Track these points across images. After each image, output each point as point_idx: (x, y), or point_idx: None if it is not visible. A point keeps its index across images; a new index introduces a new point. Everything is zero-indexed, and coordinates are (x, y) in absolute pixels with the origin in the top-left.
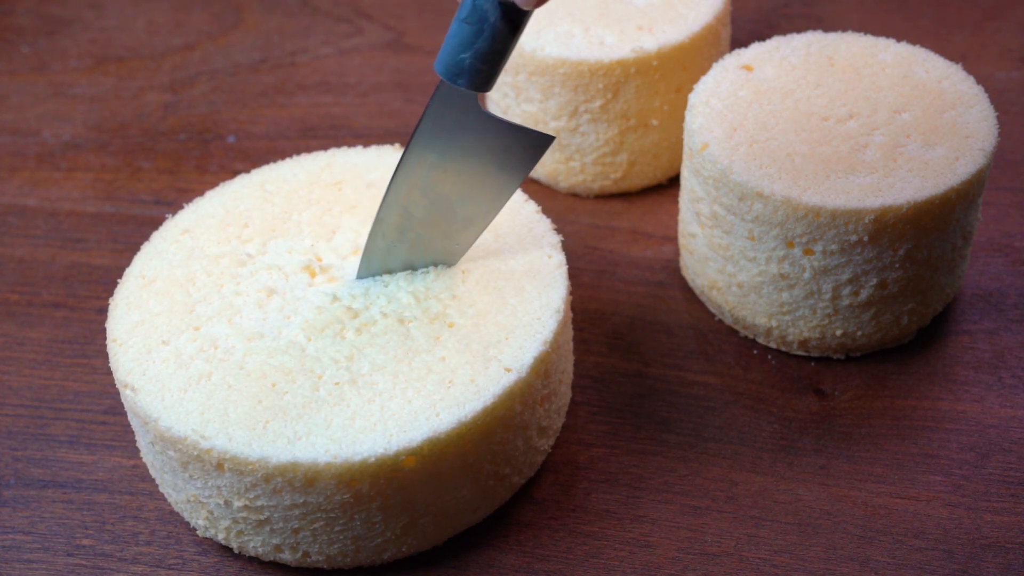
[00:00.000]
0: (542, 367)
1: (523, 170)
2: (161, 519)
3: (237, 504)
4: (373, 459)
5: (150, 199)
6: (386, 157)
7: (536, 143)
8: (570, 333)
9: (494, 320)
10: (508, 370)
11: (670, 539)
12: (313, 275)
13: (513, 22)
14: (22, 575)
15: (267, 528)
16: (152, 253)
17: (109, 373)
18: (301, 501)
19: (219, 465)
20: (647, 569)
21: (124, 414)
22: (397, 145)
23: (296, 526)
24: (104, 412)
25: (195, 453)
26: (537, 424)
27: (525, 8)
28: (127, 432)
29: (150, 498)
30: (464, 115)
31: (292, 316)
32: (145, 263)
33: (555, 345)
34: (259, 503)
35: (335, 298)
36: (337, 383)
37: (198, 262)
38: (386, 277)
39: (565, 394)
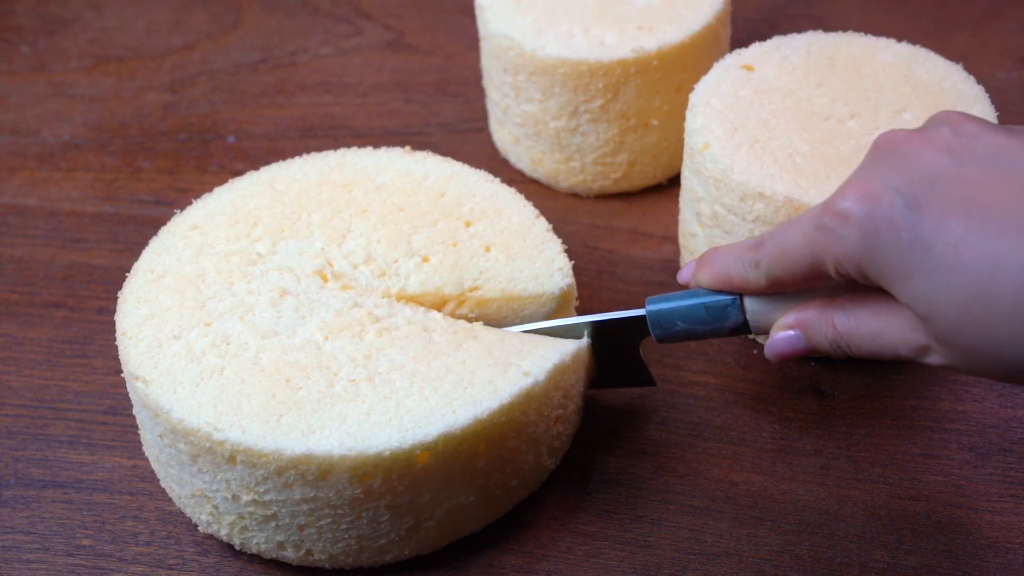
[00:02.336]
0: (560, 378)
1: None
2: (161, 519)
3: (245, 498)
4: (388, 452)
5: (150, 199)
6: (396, 160)
7: (639, 379)
8: (585, 376)
9: (519, 335)
10: (527, 374)
11: (670, 539)
12: (325, 280)
13: (736, 332)
14: (22, 575)
15: (272, 524)
16: (161, 248)
17: (109, 373)
18: (311, 496)
19: (231, 458)
20: (647, 569)
21: (124, 414)
22: (408, 148)
23: (302, 522)
24: (104, 412)
25: (207, 445)
26: (549, 444)
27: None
28: (127, 432)
29: (150, 498)
30: (626, 343)
31: (308, 317)
32: (154, 258)
33: (575, 362)
34: (268, 497)
35: (356, 304)
36: (353, 380)
37: (208, 259)
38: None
39: (575, 423)
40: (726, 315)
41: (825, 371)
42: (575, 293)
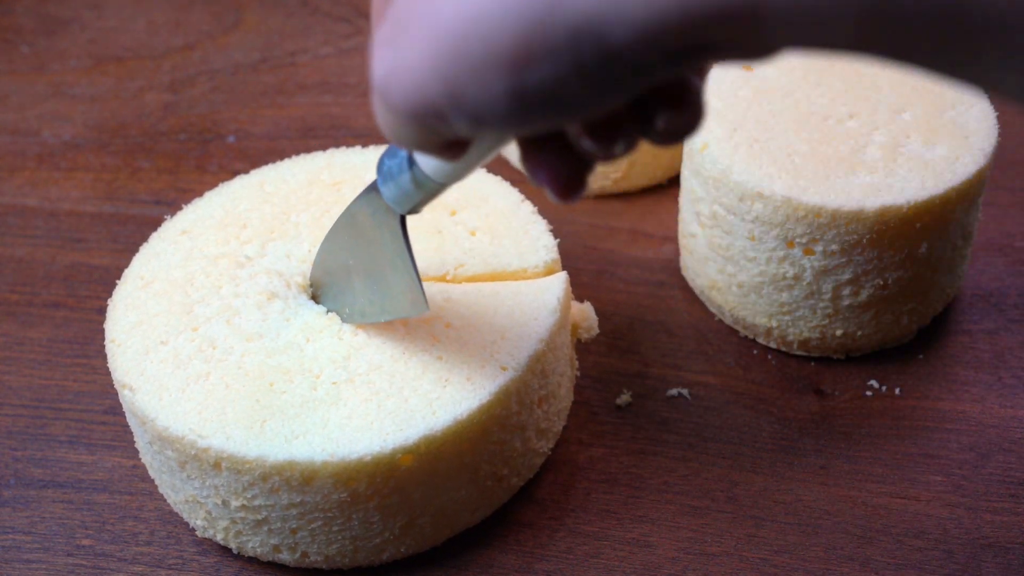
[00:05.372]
0: (538, 366)
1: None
2: (161, 519)
3: (235, 504)
4: (370, 457)
5: (150, 199)
6: None
7: (407, 301)
8: (568, 335)
9: (490, 321)
10: (504, 368)
11: (670, 539)
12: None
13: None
14: (22, 575)
15: (265, 528)
16: (151, 254)
17: (109, 373)
18: (298, 500)
19: (216, 464)
20: (647, 569)
21: (124, 414)
22: None
23: (294, 526)
24: (104, 412)
25: (192, 452)
26: (535, 425)
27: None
28: (127, 432)
29: (150, 498)
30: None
31: (292, 319)
32: (144, 264)
33: (551, 344)
34: (257, 503)
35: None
36: (335, 382)
37: (197, 263)
38: None
39: (565, 397)
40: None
41: (825, 371)
42: (560, 269)
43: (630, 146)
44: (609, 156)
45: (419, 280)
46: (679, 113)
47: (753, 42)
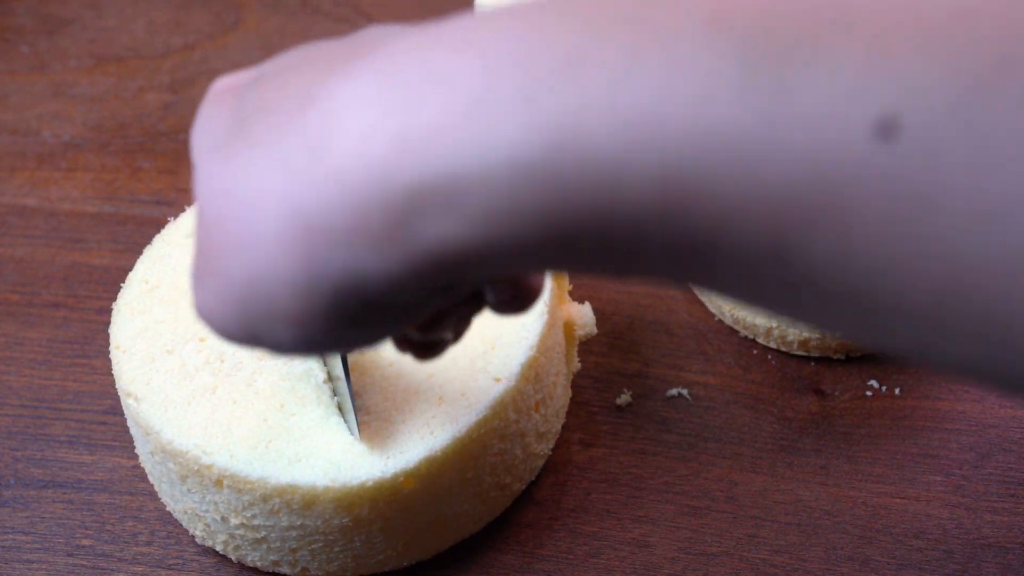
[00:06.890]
0: (531, 372)
1: None
2: (161, 520)
3: (234, 521)
4: (371, 483)
5: (150, 199)
6: None
7: None
8: (560, 335)
9: (479, 332)
10: (497, 380)
11: (670, 539)
12: None
13: None
14: (22, 575)
15: (264, 546)
16: (155, 257)
17: (109, 373)
18: (299, 523)
19: (218, 482)
20: (647, 569)
21: (124, 414)
22: None
23: (294, 546)
24: (104, 412)
25: (195, 468)
26: (534, 430)
27: None
28: (127, 432)
29: (150, 499)
30: None
31: None
32: (148, 267)
33: (542, 348)
34: (256, 522)
35: None
36: (339, 405)
37: None
38: None
39: (562, 396)
40: None
41: (825, 371)
42: (567, 276)
43: (461, 326)
44: (442, 338)
45: (354, 410)
46: (505, 293)
47: (492, 274)
